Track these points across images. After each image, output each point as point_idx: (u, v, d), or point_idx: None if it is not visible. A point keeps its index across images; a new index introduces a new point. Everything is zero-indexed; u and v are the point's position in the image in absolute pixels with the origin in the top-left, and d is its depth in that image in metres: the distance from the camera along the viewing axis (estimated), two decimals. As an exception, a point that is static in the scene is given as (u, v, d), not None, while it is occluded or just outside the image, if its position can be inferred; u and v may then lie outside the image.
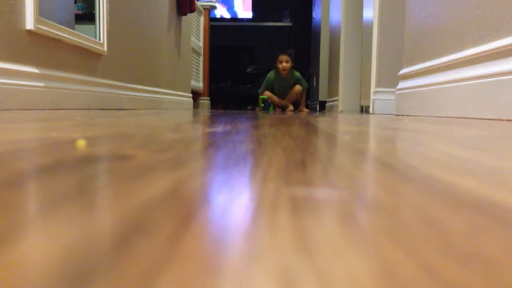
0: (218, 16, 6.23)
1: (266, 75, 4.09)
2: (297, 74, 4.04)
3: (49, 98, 1.63)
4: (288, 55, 3.90)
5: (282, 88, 4.00)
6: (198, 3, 4.28)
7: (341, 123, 1.10)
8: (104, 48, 2.15)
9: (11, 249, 0.11)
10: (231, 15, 6.29)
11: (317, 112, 3.52)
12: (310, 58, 5.74)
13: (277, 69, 3.95)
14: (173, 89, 3.48)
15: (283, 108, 4.05)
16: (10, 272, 0.09)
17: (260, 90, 4.08)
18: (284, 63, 3.90)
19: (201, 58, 4.59)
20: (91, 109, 1.96)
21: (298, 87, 3.97)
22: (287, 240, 0.12)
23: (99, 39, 2.13)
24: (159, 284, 0.09)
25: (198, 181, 0.21)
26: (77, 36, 1.89)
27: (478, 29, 1.45)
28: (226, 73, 6.26)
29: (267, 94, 4.00)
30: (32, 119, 0.87)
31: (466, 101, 1.46)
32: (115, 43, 2.31)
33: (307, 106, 5.64)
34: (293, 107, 4.04)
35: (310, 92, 5.58)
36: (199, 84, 4.53)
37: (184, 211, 0.15)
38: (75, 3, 2.15)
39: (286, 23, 6.23)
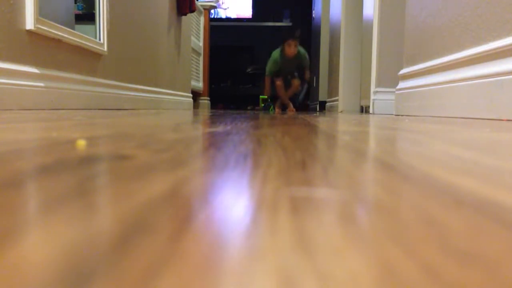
0: (224, 17, 6.27)
1: (271, 53, 3.98)
2: (301, 50, 3.91)
3: (49, 98, 1.63)
4: (297, 39, 3.83)
5: (287, 67, 3.89)
6: (198, 3, 4.28)
7: (341, 123, 1.10)
8: (104, 48, 2.15)
9: (11, 249, 0.11)
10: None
11: (317, 112, 3.52)
12: (310, 58, 5.74)
13: (283, 50, 3.86)
14: (173, 89, 3.48)
15: (284, 108, 4.03)
16: (10, 272, 0.09)
17: (267, 70, 3.97)
18: (293, 47, 3.81)
19: (201, 58, 4.59)
20: (91, 109, 1.96)
21: (297, 82, 3.93)
22: (287, 240, 0.12)
23: (99, 39, 2.13)
24: (159, 284, 0.09)
25: (198, 181, 0.21)
26: (77, 36, 1.89)
27: (478, 29, 1.45)
28: (226, 73, 6.26)
29: (278, 84, 3.89)
30: (32, 119, 0.87)
31: (466, 101, 1.46)
32: (115, 43, 2.31)
33: (306, 106, 5.63)
34: (293, 104, 4.02)
35: (310, 92, 5.58)
36: (199, 84, 4.53)
37: (184, 211, 0.15)
38: (75, 3, 2.15)
39: (286, 23, 6.23)
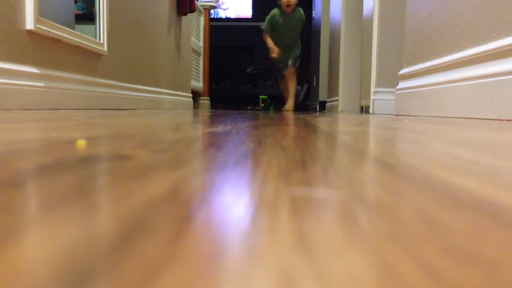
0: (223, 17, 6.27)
1: (271, 11, 3.82)
2: (301, 12, 3.78)
3: (49, 98, 1.63)
4: None
5: (286, 28, 3.69)
6: (198, 3, 4.28)
7: (341, 123, 1.10)
8: (104, 48, 2.15)
9: (11, 249, 0.11)
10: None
11: (317, 112, 3.52)
12: (310, 58, 5.74)
13: (280, 6, 3.68)
14: (173, 89, 3.48)
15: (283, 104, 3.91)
16: (10, 272, 0.09)
17: (263, 27, 3.76)
18: None
19: (201, 58, 4.59)
20: (91, 109, 1.96)
21: (291, 71, 3.70)
22: (287, 240, 0.12)
23: (99, 39, 2.13)
24: (159, 284, 0.09)
25: (198, 181, 0.21)
26: (77, 36, 1.88)
27: (478, 29, 1.45)
28: (226, 73, 6.26)
29: (272, 47, 3.63)
30: (32, 119, 0.87)
31: (466, 101, 1.46)
32: (115, 43, 2.31)
33: (306, 106, 5.61)
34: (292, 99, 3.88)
35: (310, 92, 5.58)
36: (199, 84, 4.53)
37: (184, 211, 0.15)
38: (75, 3, 2.15)
39: (286, 23, 6.22)
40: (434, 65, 1.78)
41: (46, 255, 0.10)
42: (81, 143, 0.38)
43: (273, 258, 0.11)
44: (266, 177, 0.23)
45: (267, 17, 3.82)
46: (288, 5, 3.66)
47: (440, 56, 1.75)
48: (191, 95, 4.12)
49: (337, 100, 3.89)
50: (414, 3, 2.09)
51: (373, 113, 2.70)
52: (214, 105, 5.43)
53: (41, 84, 1.59)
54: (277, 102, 4.68)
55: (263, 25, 3.80)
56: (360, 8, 3.45)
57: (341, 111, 3.66)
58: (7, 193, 0.18)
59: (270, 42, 3.75)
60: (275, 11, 3.80)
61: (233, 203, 0.17)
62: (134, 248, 0.11)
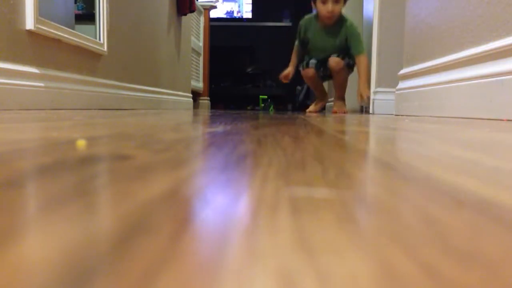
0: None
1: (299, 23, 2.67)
2: (350, 23, 2.49)
3: (49, 98, 1.63)
4: None
5: (322, 48, 2.54)
6: (198, 3, 4.28)
7: (341, 123, 1.10)
8: (104, 48, 2.15)
9: (11, 249, 0.11)
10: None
11: (317, 112, 3.52)
12: (310, 58, 5.73)
13: (317, 13, 2.45)
14: (173, 89, 3.48)
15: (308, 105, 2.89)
16: (10, 272, 0.09)
17: (295, 45, 2.72)
18: (331, 4, 2.31)
19: (201, 58, 4.59)
20: (91, 109, 1.95)
21: (336, 60, 2.45)
22: (287, 240, 0.12)
23: (99, 39, 2.13)
24: (159, 284, 0.09)
25: (198, 181, 0.21)
26: (77, 36, 1.88)
27: (478, 29, 1.45)
28: (226, 73, 6.26)
29: (284, 72, 2.58)
30: (32, 119, 0.87)
31: (466, 101, 1.46)
32: (115, 43, 2.30)
33: (306, 106, 5.59)
34: (293, 104, 2.89)
35: (310, 92, 5.58)
36: (199, 84, 4.53)
37: (184, 211, 0.15)
38: (75, 3, 2.15)
39: (286, 23, 6.24)
40: (434, 65, 1.78)
41: (46, 255, 0.10)
42: (81, 143, 0.38)
43: (273, 258, 0.11)
44: (266, 177, 0.23)
45: (298, 30, 2.67)
46: (329, 18, 2.45)
47: (440, 56, 1.74)
48: (191, 95, 4.11)
49: (337, 100, 3.88)
50: (414, 3, 2.09)
51: (373, 113, 2.69)
52: (214, 105, 5.43)
53: (41, 84, 1.59)
54: (277, 102, 4.67)
55: (295, 43, 2.77)
56: (360, 8, 3.44)
57: (341, 111, 3.65)
58: (7, 193, 0.18)
59: (292, 59, 2.69)
60: (305, 21, 2.64)
61: (233, 203, 0.17)
62: (134, 248, 0.11)
